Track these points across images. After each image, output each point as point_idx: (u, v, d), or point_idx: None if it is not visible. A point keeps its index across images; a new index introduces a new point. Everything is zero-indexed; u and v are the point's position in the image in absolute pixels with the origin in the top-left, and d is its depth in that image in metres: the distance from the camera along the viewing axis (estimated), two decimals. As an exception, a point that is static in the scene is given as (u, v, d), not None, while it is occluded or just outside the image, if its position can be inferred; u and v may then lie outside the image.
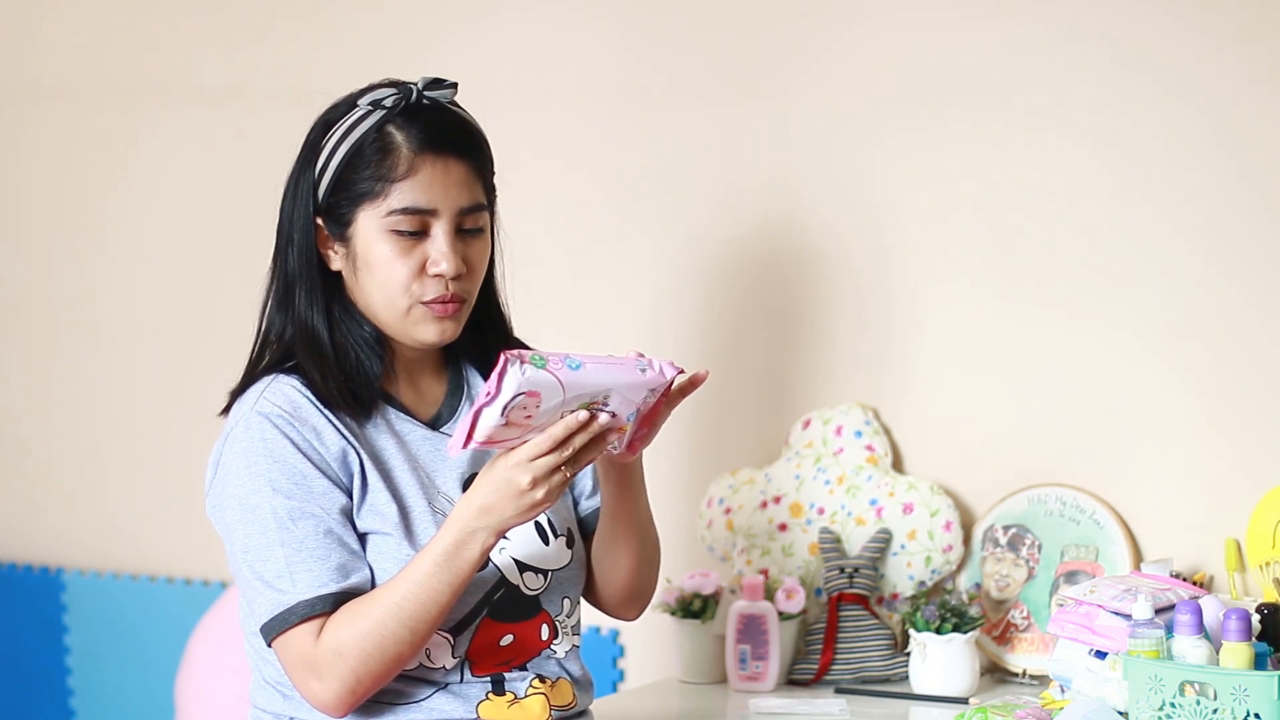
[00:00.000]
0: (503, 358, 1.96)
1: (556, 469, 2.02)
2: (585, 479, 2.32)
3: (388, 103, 2.14)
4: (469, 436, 1.99)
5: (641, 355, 2.06)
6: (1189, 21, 2.65)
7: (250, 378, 2.20)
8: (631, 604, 2.34)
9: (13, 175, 3.66)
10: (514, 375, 1.96)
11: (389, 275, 2.15)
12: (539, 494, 2.03)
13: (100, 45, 3.54)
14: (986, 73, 2.78)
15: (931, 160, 2.82)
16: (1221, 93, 2.63)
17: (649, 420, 2.11)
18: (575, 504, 2.33)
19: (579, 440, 2.02)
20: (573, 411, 2.01)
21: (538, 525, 2.23)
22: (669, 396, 2.11)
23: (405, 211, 2.14)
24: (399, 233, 2.14)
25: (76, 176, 3.58)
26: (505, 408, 1.97)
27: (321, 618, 2.08)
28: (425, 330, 2.17)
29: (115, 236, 3.55)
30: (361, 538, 2.14)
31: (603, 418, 2.03)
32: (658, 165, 3.03)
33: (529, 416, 1.99)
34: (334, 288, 2.20)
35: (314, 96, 2.25)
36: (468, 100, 2.23)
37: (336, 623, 2.07)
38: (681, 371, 2.08)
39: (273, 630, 2.09)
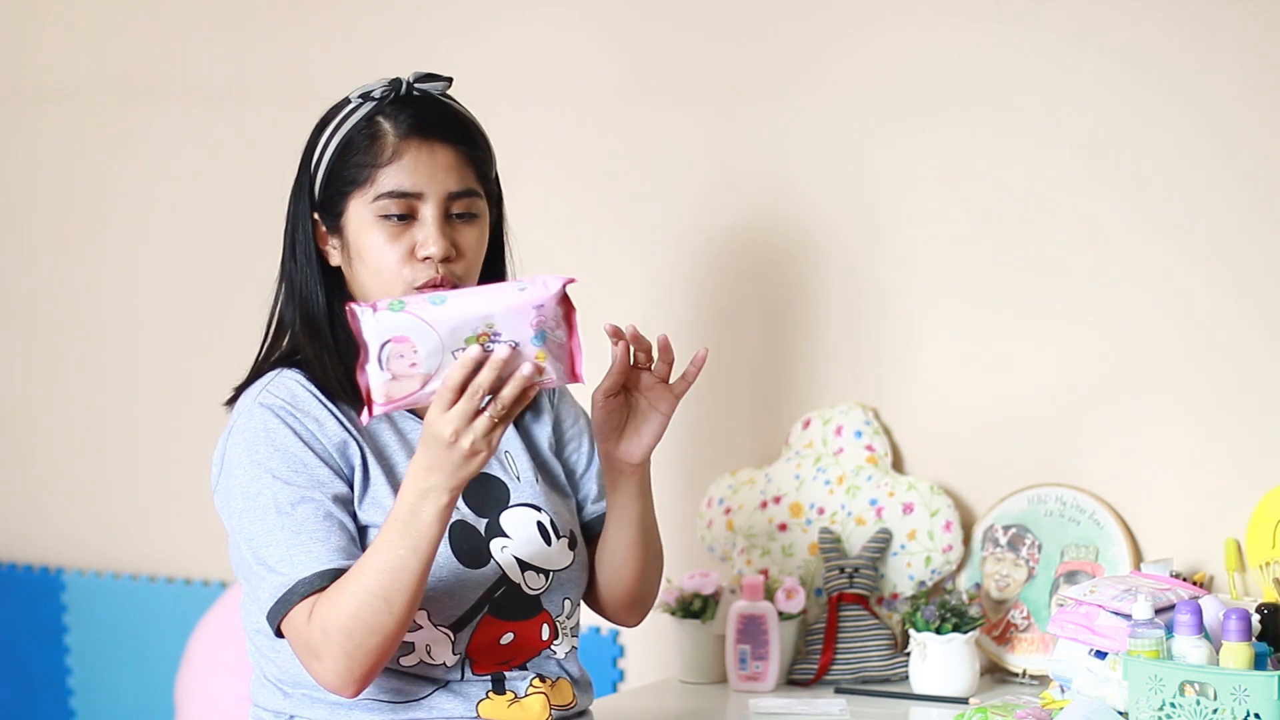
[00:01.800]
0: (348, 309, 1.93)
1: (476, 414, 1.96)
2: (591, 484, 2.32)
3: (377, 94, 2.16)
4: (368, 403, 1.95)
5: (521, 279, 2.01)
6: (1186, 27, 2.65)
7: (257, 372, 2.21)
8: (633, 610, 2.34)
9: (16, 175, 3.66)
10: (369, 324, 1.92)
11: (379, 261, 2.15)
12: (465, 444, 1.96)
13: (103, 46, 3.54)
14: (985, 75, 2.78)
15: (932, 161, 2.83)
16: (1217, 97, 2.63)
17: (575, 349, 2.02)
18: (580, 508, 2.33)
19: (485, 378, 1.95)
20: (462, 350, 1.95)
21: (540, 526, 2.23)
22: (673, 385, 2.10)
23: (391, 195, 2.14)
24: (387, 217, 2.14)
25: (79, 177, 3.59)
26: (380, 360, 1.92)
27: (317, 594, 2.07)
28: None
29: (117, 237, 3.56)
30: (363, 530, 2.14)
31: (499, 350, 1.94)
32: (657, 166, 3.03)
33: (414, 365, 1.94)
34: (336, 284, 2.21)
35: (316, 97, 2.26)
36: (468, 101, 2.23)
37: (322, 602, 2.06)
38: (572, 280, 2.00)
39: (278, 614, 2.08)
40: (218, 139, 3.43)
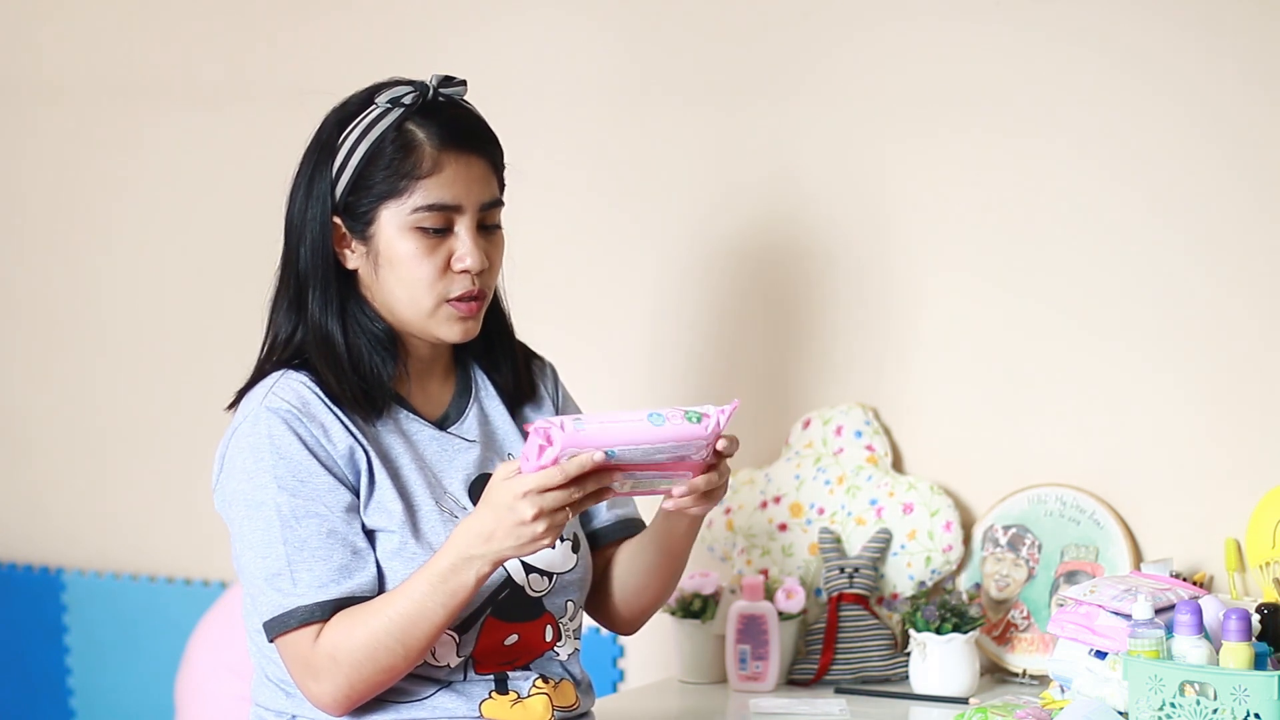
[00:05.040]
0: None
1: (562, 508, 1.99)
2: None
3: (406, 100, 2.15)
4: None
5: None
6: (1188, 27, 2.65)
7: (260, 373, 2.20)
8: (636, 623, 2.36)
9: (16, 175, 3.66)
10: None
11: (414, 272, 2.15)
12: (540, 528, 1.99)
13: (104, 46, 3.53)
14: (988, 75, 2.78)
15: (933, 162, 2.83)
16: (1219, 97, 2.64)
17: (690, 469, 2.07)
18: (590, 516, 2.33)
19: (591, 485, 1.99)
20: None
21: None
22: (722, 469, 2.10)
23: (431, 208, 2.14)
24: (423, 229, 2.15)
25: (79, 177, 3.59)
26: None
27: (320, 623, 2.08)
28: (449, 329, 2.18)
29: (117, 237, 3.56)
30: (370, 534, 2.14)
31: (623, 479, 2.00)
32: (659, 166, 3.03)
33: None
34: (347, 287, 2.20)
35: (317, 97, 2.26)
36: (475, 101, 2.23)
37: (334, 628, 2.08)
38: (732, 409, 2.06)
39: (273, 630, 2.10)
40: (218, 139, 3.43)
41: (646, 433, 1.98)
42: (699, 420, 1.99)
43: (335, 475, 2.13)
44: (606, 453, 1.97)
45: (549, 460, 1.96)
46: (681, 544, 2.25)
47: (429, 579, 2.06)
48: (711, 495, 2.09)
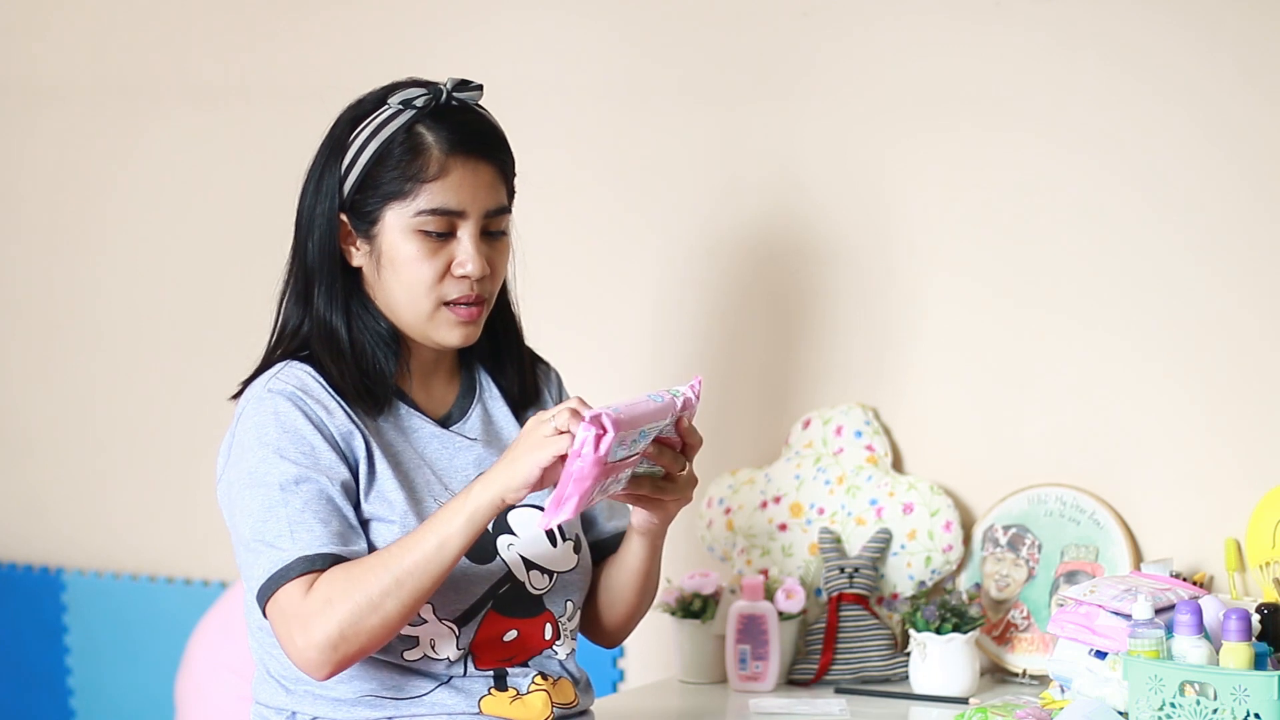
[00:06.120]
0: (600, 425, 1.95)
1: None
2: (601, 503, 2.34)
3: (418, 102, 2.15)
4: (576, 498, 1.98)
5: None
6: (1188, 27, 2.65)
7: (265, 365, 2.21)
8: (611, 637, 2.38)
9: (15, 175, 3.66)
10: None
11: (414, 275, 2.15)
12: (549, 419, 2.00)
13: (103, 46, 3.54)
14: (988, 75, 2.78)
15: (933, 162, 2.83)
16: (1219, 97, 2.64)
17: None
18: (592, 523, 2.34)
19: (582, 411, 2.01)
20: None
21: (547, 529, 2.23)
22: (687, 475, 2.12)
23: (434, 212, 2.15)
24: (426, 233, 2.15)
25: (79, 176, 3.59)
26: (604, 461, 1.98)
27: (315, 574, 2.07)
28: (447, 334, 2.19)
29: (116, 237, 3.56)
30: (367, 524, 2.15)
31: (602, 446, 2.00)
32: (661, 165, 3.03)
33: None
34: (353, 284, 2.21)
35: (317, 97, 2.26)
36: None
37: (330, 574, 2.06)
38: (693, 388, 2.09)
39: (270, 589, 2.07)
40: (218, 139, 3.43)
41: (656, 408, 2.02)
42: (679, 394, 2.07)
43: (336, 452, 2.13)
44: (641, 432, 2.00)
45: (606, 448, 1.95)
46: (641, 559, 2.27)
47: (433, 517, 2.06)
48: (678, 496, 2.12)
